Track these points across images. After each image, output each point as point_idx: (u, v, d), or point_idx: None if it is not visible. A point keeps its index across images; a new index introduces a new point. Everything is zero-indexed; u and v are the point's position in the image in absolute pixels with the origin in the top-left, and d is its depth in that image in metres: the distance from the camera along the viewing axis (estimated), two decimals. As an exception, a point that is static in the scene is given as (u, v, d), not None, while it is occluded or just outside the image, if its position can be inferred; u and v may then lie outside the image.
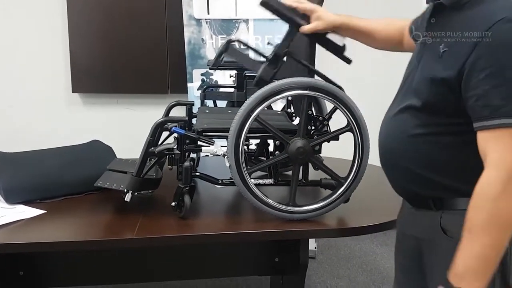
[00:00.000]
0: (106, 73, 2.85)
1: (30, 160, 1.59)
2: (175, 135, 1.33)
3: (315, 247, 2.57)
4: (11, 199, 1.47)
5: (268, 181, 1.37)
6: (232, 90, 1.81)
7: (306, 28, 1.24)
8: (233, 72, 1.80)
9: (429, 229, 1.00)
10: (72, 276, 1.50)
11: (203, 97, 1.74)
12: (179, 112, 1.67)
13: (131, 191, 1.32)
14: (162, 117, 1.38)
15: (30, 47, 2.85)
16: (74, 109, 2.96)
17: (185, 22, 2.50)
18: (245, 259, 1.63)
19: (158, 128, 1.32)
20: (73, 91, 2.89)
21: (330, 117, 1.37)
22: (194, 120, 1.55)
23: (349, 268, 2.47)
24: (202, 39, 2.50)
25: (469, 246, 0.85)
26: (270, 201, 1.33)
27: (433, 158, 0.95)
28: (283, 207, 1.34)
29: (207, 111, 1.66)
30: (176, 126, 1.31)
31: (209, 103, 1.83)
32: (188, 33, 2.51)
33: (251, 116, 1.26)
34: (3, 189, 1.47)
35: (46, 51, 2.86)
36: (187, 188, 1.30)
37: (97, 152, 1.72)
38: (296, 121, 1.55)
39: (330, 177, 1.40)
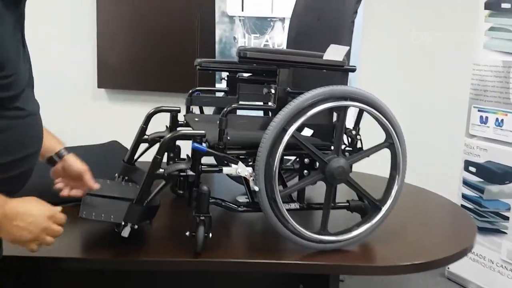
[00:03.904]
0: (133, 70, 2.77)
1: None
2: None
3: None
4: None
5: (293, 205, 1.19)
6: (221, 94, 1.61)
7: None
8: (225, 74, 1.61)
9: None
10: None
11: (190, 103, 1.53)
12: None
13: (130, 224, 1.10)
14: (168, 132, 1.18)
15: (58, 41, 2.79)
16: (99, 104, 2.88)
17: (217, 19, 2.36)
18: (266, 284, 1.47)
19: (166, 146, 1.12)
20: (99, 87, 2.81)
21: (359, 130, 1.23)
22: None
23: (380, 295, 2.26)
24: (234, 38, 2.35)
25: None
26: (302, 230, 1.16)
27: None
28: (314, 236, 1.17)
29: (196, 119, 1.45)
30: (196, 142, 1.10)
31: (195, 109, 1.60)
32: (220, 30, 2.36)
33: (286, 131, 1.10)
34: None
35: (74, 46, 2.80)
36: (202, 218, 1.11)
37: (112, 156, 1.60)
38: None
39: (358, 199, 1.26)
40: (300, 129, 1.48)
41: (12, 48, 0.86)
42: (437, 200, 1.73)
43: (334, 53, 1.11)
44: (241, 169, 1.11)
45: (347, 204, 1.27)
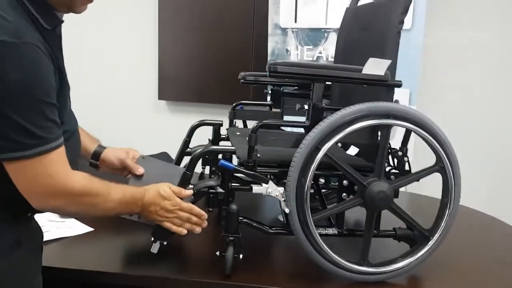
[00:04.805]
0: (192, 83, 2.84)
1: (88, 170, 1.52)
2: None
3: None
4: (62, 212, 1.40)
5: (330, 230, 1.10)
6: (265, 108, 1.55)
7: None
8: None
9: None
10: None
11: (232, 116, 1.49)
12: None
13: (159, 241, 1.10)
14: (201, 147, 1.14)
15: (121, 53, 2.91)
16: (159, 116, 2.97)
17: (269, 31, 2.32)
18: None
19: (196, 161, 1.10)
20: (159, 98, 2.89)
21: (406, 151, 1.12)
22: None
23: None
24: (287, 50, 2.29)
25: None
26: (338, 258, 1.07)
27: None
28: (351, 266, 1.07)
29: (238, 133, 1.40)
30: (223, 159, 1.07)
31: (239, 123, 1.56)
32: (272, 43, 2.32)
33: (320, 150, 1.01)
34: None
35: (136, 58, 2.91)
36: (231, 239, 1.05)
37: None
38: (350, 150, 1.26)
39: (406, 227, 1.14)
40: (345, 147, 1.39)
41: (61, 73, 0.90)
42: (502, 229, 1.53)
43: (374, 66, 1.01)
44: (272, 189, 1.05)
45: (393, 232, 1.16)
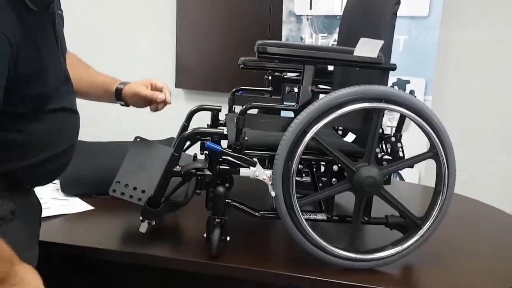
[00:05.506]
0: (208, 71, 2.88)
1: (95, 151, 1.55)
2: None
3: None
4: (66, 191, 1.45)
5: (319, 216, 1.09)
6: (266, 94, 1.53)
7: None
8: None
9: None
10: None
11: (232, 102, 1.47)
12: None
13: (147, 221, 1.10)
14: (191, 129, 1.16)
15: (140, 43, 2.98)
16: (176, 103, 2.99)
17: (284, 19, 2.31)
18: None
19: (184, 142, 1.11)
20: (176, 86, 2.93)
21: (400, 137, 1.09)
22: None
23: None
24: (301, 38, 2.27)
25: None
26: (324, 243, 1.05)
27: None
28: (338, 251, 1.06)
29: (235, 119, 1.42)
30: (209, 141, 1.07)
31: (238, 109, 1.56)
32: (286, 31, 2.31)
33: (307, 133, 1.00)
34: (59, 178, 1.45)
35: (155, 48, 2.97)
36: (218, 221, 1.06)
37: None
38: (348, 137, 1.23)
39: (399, 215, 1.11)
40: (344, 134, 1.37)
41: (45, 56, 0.89)
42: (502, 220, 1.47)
43: (366, 48, 0.99)
44: (259, 172, 1.04)
45: (385, 219, 1.13)
